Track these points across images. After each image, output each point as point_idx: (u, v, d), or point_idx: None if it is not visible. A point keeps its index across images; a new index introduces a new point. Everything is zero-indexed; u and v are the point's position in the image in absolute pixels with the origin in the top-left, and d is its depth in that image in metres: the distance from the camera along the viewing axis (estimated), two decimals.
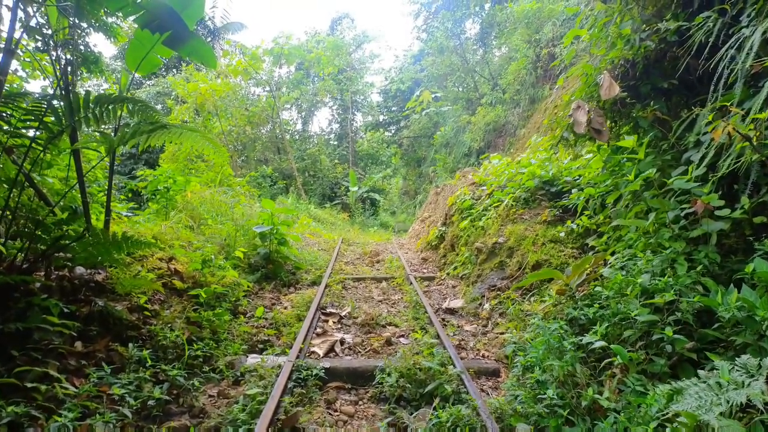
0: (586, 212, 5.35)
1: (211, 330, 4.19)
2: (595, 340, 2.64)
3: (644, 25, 3.97)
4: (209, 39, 32.55)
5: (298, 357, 3.81)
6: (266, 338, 4.41)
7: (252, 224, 6.98)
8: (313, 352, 4.09)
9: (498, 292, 5.39)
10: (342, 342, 4.38)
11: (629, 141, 3.50)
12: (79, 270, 3.88)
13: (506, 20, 18.08)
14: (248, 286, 5.75)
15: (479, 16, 20.27)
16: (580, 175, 6.36)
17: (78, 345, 3.23)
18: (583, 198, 5.47)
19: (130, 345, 3.41)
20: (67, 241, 3.42)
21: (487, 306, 5.23)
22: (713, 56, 3.36)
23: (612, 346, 2.53)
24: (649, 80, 4.10)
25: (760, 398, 1.67)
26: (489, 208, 7.06)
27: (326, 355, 4.10)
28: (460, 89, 22.96)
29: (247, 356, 3.90)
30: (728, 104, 3.00)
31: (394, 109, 32.28)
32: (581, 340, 2.87)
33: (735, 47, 3.07)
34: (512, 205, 6.50)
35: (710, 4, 3.71)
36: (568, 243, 5.44)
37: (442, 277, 7.27)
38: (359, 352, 4.21)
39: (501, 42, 19.08)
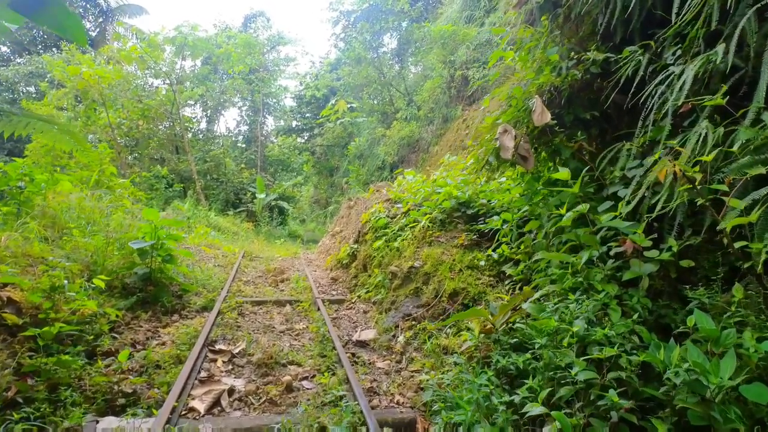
0: (504, 239, 5.19)
1: (49, 384, 3.18)
2: (534, 408, 2.27)
3: (571, 53, 3.85)
4: (100, 20, 28.96)
5: (169, 419, 2.99)
6: (131, 390, 3.47)
7: (130, 238, 5.83)
8: (191, 408, 3.28)
9: (413, 322, 4.98)
10: (231, 391, 3.61)
11: (564, 173, 3.28)
12: None
13: (423, 39, 18.37)
14: (117, 317, 4.69)
15: (397, 31, 20.43)
16: (496, 199, 6.27)
17: None
18: (500, 223, 5.32)
19: None
20: None
21: (401, 338, 4.78)
22: (640, 91, 3.28)
23: (553, 413, 2.18)
24: (572, 110, 3.99)
25: None
26: (405, 228, 6.71)
27: (209, 411, 3.31)
28: (376, 102, 22.92)
29: (99, 421, 2.98)
30: (661, 141, 2.88)
31: (308, 115, 31.47)
32: (513, 400, 2.50)
33: (665, 84, 2.98)
34: (429, 226, 6.20)
35: (631, 39, 3.68)
36: (485, 270, 5.23)
37: (353, 300, 6.73)
38: (252, 404, 3.48)
39: (417, 59, 19.38)
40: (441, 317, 4.85)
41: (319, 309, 6.04)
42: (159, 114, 20.56)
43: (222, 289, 6.61)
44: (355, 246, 8.09)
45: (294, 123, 32.33)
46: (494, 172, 4.52)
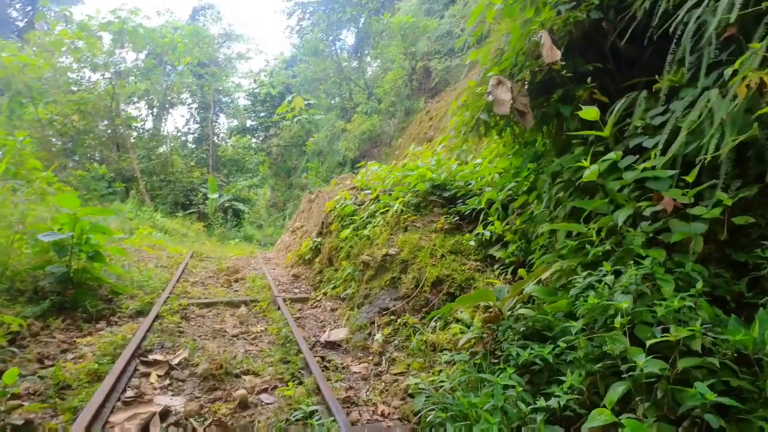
0: (490, 218, 4.59)
1: None
2: (600, 417, 1.61)
3: None
4: (29, 8, 26.45)
5: None
6: (23, 421, 2.56)
7: (42, 230, 4.78)
8: None
9: (392, 317, 4.28)
10: (165, 414, 2.76)
11: (591, 111, 2.68)
12: None
13: (382, 32, 17.82)
14: (20, 326, 3.70)
15: (355, 24, 19.75)
16: (473, 180, 5.70)
17: None
18: (484, 201, 4.72)
19: None
20: None
21: (378, 336, 4.06)
22: (660, 26, 2.74)
23: (624, 419, 1.54)
24: (572, 62, 3.44)
25: None
26: (375, 214, 6.00)
27: None
28: (336, 99, 22.17)
29: None
30: (702, 68, 2.34)
31: (262, 114, 30.25)
32: (550, 405, 1.85)
33: (703, 4, 2.45)
34: (402, 210, 5.53)
35: None
36: (470, 254, 4.62)
37: (318, 298, 5.94)
38: (194, 429, 2.65)
39: (377, 52, 18.78)
40: (424, 309, 4.18)
41: (279, 308, 5.22)
42: (97, 109, 18.80)
43: (163, 290, 5.64)
44: (319, 239, 7.29)
45: (248, 122, 30.98)
46: (483, 136, 3.90)
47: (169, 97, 24.74)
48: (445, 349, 3.54)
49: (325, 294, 6.05)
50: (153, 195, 19.64)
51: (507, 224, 4.49)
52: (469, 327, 3.64)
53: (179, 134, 27.87)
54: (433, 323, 3.91)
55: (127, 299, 5.16)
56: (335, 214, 6.55)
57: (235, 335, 4.40)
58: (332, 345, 4.17)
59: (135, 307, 4.88)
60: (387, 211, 5.69)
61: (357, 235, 5.83)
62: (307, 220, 9.67)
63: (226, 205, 21.44)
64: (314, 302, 5.90)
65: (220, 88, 27.30)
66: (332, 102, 22.95)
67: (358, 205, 6.49)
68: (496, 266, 4.36)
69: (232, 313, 5.22)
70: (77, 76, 20.19)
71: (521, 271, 3.89)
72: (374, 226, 5.67)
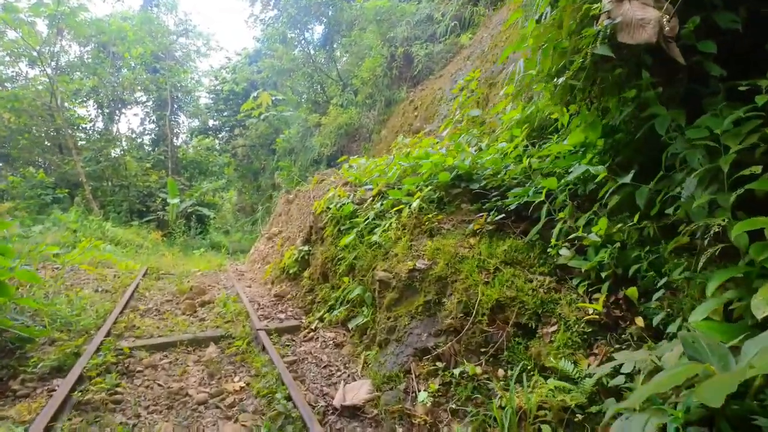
0: (560, 215, 3.32)
1: None
2: None
3: None
4: None
5: None
6: None
7: None
8: None
9: (436, 363, 2.93)
10: None
11: None
12: None
13: (354, 19, 16.47)
14: None
15: (326, 7, 18.25)
16: (508, 164, 4.46)
17: None
18: (545, 193, 3.46)
19: None
20: None
21: (423, 396, 2.71)
22: None
23: None
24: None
25: None
26: (383, 215, 4.64)
27: None
28: (306, 94, 20.63)
29: None
30: None
31: (226, 113, 28.36)
32: None
33: None
34: (424, 208, 4.21)
35: None
36: (533, 265, 3.33)
37: (314, 326, 4.53)
38: None
39: (350, 40, 17.37)
40: (485, 349, 2.86)
41: (264, 348, 3.78)
42: (35, 107, 16.54)
43: (99, 328, 4.09)
44: (306, 248, 5.85)
45: (211, 122, 29.00)
46: (583, 92, 2.60)
47: (121, 95, 22.48)
48: (544, 422, 2.24)
49: (321, 320, 4.64)
50: (104, 202, 17.51)
51: (579, 219, 3.25)
52: (576, 382, 2.36)
53: (134, 135, 25.52)
54: (520, 374, 2.59)
55: (41, 348, 3.59)
56: (329, 216, 5.14)
57: (203, 402, 2.94)
58: (352, 412, 2.78)
59: (51, 361, 3.33)
60: (401, 210, 4.34)
61: (363, 242, 4.45)
62: (287, 225, 8.18)
63: (189, 210, 19.49)
64: (308, 332, 4.48)
65: (179, 84, 25.17)
66: (302, 97, 21.41)
67: (358, 204, 5.10)
68: (575, 280, 3.10)
69: (198, 359, 3.74)
70: (12, 71, 17.84)
71: (630, 291, 2.65)
72: (385, 230, 4.30)
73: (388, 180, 5.29)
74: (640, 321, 2.62)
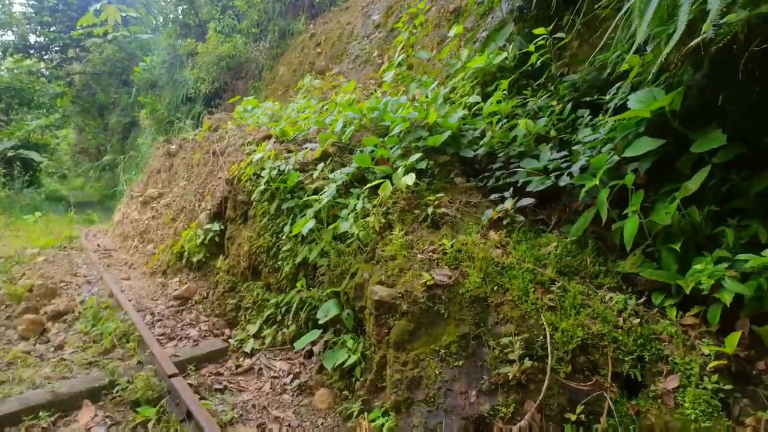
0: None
1: None
2: None
3: None
4: None
5: None
6: None
7: None
8: None
9: None
10: None
11: None
12: None
13: None
14: None
15: None
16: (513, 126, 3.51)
17: None
18: (601, 173, 2.57)
19: None
20: None
21: None
22: None
23: None
24: None
25: None
26: (348, 190, 3.32)
27: None
28: (172, 14, 16.75)
29: None
30: None
31: (54, 28, 22.48)
32: None
33: None
34: (417, 185, 3.03)
35: None
36: (598, 276, 2.46)
37: (248, 348, 3.17)
38: None
39: None
40: (570, 416, 1.93)
41: (190, 416, 2.35)
42: None
43: None
44: (217, 227, 4.23)
45: (33, 38, 22.66)
46: None
47: None
48: None
49: (258, 338, 3.28)
50: None
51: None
52: None
53: None
54: None
55: None
56: (260, 187, 3.61)
57: None
58: None
59: None
60: (377, 185, 3.07)
61: (326, 229, 3.10)
62: (171, 186, 6.20)
63: (10, 154, 14.98)
64: (241, 359, 3.11)
65: None
66: (167, 17, 17.44)
67: (302, 171, 3.65)
68: (656, 298, 2.31)
69: None
70: None
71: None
72: (360, 216, 3.02)
73: (335, 137, 3.92)
74: None
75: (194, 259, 4.29)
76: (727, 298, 2.00)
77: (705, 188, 2.35)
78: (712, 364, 1.94)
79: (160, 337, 3.34)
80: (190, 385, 2.65)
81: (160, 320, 3.64)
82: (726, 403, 1.87)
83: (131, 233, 6.00)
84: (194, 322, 3.64)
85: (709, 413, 1.82)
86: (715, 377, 1.91)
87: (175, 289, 4.07)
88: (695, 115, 2.49)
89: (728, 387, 1.88)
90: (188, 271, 4.34)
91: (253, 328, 3.37)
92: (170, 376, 2.63)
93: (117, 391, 2.57)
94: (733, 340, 1.94)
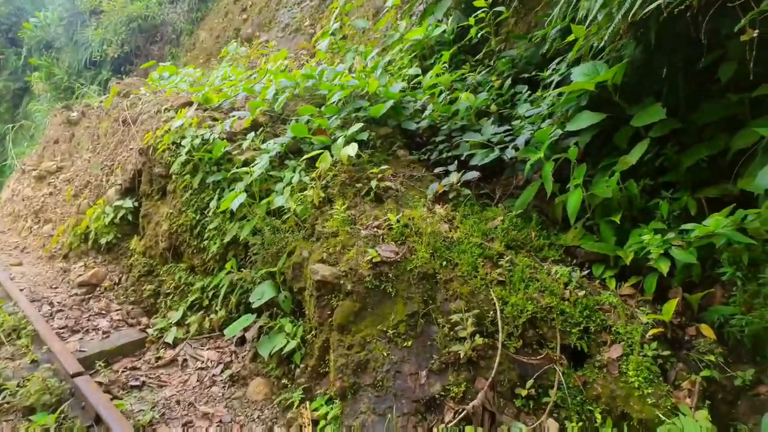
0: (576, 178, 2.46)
1: None
2: None
3: None
4: None
5: None
6: None
7: None
8: None
9: (461, 425, 1.84)
10: None
11: None
12: None
13: None
14: None
15: None
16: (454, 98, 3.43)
17: None
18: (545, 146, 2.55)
19: None
20: None
21: None
22: None
23: None
24: None
25: None
26: (283, 162, 3.04)
27: None
28: None
29: None
30: None
31: None
32: None
33: None
34: (360, 157, 2.84)
35: None
36: (542, 249, 2.45)
37: (170, 339, 2.84)
38: None
39: None
40: (521, 391, 1.90)
41: (98, 420, 2.02)
42: None
43: None
44: (130, 203, 3.73)
45: None
46: None
47: None
48: None
49: (181, 326, 2.95)
50: None
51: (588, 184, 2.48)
52: None
53: None
54: (565, 424, 1.71)
55: None
56: (181, 158, 3.19)
57: None
58: None
59: None
60: (315, 159, 2.83)
61: (259, 205, 2.81)
62: (72, 159, 5.43)
63: None
64: (161, 350, 2.78)
65: None
66: None
67: (230, 140, 3.28)
68: (597, 269, 2.35)
69: None
70: None
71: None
72: (296, 190, 2.77)
73: (266, 104, 3.59)
74: (708, 330, 2.03)
75: (102, 241, 3.76)
76: (664, 268, 2.06)
77: (641, 162, 2.41)
78: (651, 331, 2.00)
79: (61, 331, 2.88)
80: (100, 383, 2.30)
81: (60, 311, 3.14)
82: (664, 369, 1.94)
83: (23, 212, 5.15)
84: (104, 312, 3.19)
85: (650, 380, 1.87)
86: (654, 344, 1.96)
87: (80, 275, 3.54)
88: (634, 90, 2.54)
89: (666, 353, 1.95)
90: (95, 254, 3.80)
91: (175, 316, 3.03)
92: (73, 376, 2.25)
93: (4, 398, 2.15)
94: (669, 308, 2.01)
